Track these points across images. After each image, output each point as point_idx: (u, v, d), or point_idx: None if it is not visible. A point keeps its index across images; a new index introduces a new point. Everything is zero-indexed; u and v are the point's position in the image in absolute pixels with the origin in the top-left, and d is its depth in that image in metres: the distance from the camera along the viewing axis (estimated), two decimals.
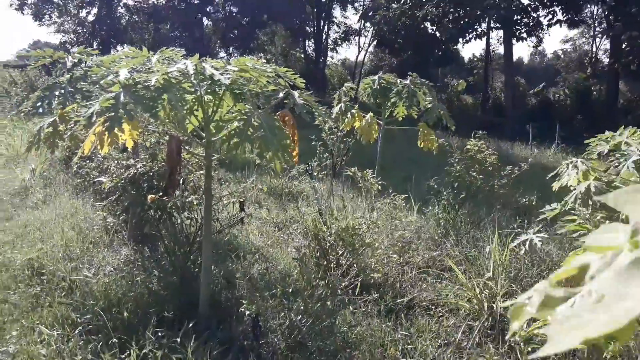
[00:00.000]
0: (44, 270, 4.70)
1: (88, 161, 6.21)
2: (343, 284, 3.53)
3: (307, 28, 39.58)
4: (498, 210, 5.57)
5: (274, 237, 6.24)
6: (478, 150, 5.17)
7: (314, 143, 7.68)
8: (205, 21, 36.82)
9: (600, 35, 45.48)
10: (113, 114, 2.92)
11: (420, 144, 6.93)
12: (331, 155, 7.88)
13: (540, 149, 16.82)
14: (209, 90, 3.28)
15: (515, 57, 31.54)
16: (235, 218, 4.26)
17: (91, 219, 6.15)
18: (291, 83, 3.59)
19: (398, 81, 6.48)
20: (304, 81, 3.69)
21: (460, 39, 26.34)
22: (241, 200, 4.10)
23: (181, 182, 3.77)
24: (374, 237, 3.77)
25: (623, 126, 4.29)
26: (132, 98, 3.02)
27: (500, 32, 28.16)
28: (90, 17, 33.64)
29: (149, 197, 3.62)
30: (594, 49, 47.38)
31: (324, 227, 4.16)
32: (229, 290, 4.47)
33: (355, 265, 3.66)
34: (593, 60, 44.51)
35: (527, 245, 4.05)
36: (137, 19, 34.02)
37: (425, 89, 6.26)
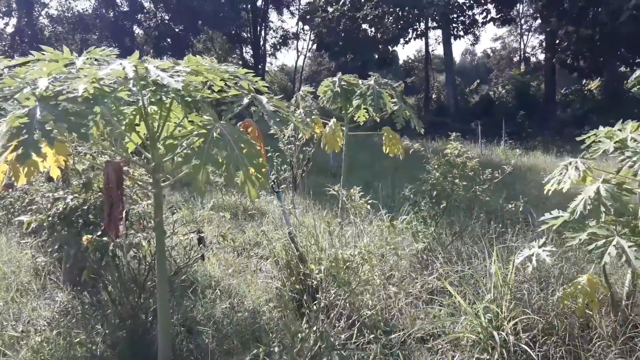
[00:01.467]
0: None
1: (10, 190, 5.30)
2: (335, 331, 2.89)
3: (244, 34, 38.79)
4: (480, 219, 5.10)
5: (234, 265, 5.52)
6: (458, 154, 4.68)
7: (270, 154, 7.01)
8: (137, 30, 35.28)
9: (527, 33, 47.24)
10: (26, 136, 2.18)
11: (386, 149, 6.39)
12: (290, 167, 7.24)
13: (489, 146, 16.81)
14: (152, 100, 2.58)
15: (444, 58, 31.94)
16: (193, 253, 3.54)
17: (17, 259, 5.22)
18: (254, 87, 2.94)
19: (360, 82, 5.92)
20: (266, 84, 3.05)
21: (401, 39, 26.34)
22: (200, 233, 3.39)
23: (124, 215, 3.03)
24: (368, 269, 3.17)
25: (621, 120, 3.91)
26: (53, 114, 2.28)
27: (438, 32, 28.46)
28: (9, 29, 31.42)
29: (84, 238, 2.88)
30: (522, 46, 49.17)
31: (303, 262, 3.51)
32: (190, 340, 3.73)
33: (347, 304, 3.05)
34: (523, 57, 46.09)
35: (534, 261, 3.57)
36: (61, 29, 32.07)
37: (390, 89, 5.74)
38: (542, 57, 36.62)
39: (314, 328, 2.74)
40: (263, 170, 2.33)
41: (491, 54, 54.97)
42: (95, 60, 2.64)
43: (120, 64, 2.22)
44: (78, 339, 3.26)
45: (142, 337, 3.41)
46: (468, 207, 5.16)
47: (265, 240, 4.55)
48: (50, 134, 2.20)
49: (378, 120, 6.34)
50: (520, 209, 4.73)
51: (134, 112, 2.76)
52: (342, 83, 5.79)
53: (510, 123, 21.45)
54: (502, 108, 26.15)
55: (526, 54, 46.04)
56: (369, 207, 3.56)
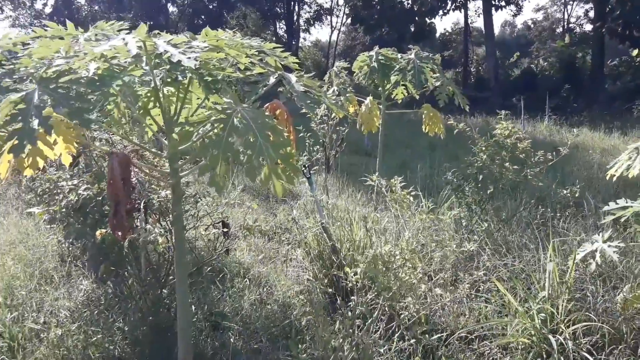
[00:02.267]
0: None
1: (41, 173, 5.15)
2: (372, 339, 2.57)
3: (278, 9, 38.23)
4: (530, 205, 4.65)
5: (264, 251, 5.26)
6: (508, 135, 4.24)
7: (302, 134, 6.68)
8: (170, 8, 35.19)
9: (571, 2, 44.98)
10: (21, 124, 1.91)
11: (425, 128, 5.97)
12: (323, 148, 6.89)
13: (532, 122, 16.02)
14: (167, 79, 2.27)
15: (484, 29, 30.71)
16: (218, 245, 3.28)
17: (44, 245, 5.09)
18: (282, 64, 2.60)
19: (399, 56, 5.49)
20: (297, 60, 2.70)
21: (440, 11, 25.36)
22: (225, 226, 3.11)
23: (142, 208, 2.77)
24: (411, 270, 2.82)
25: None
26: (53, 98, 2.00)
27: (479, 3, 27.28)
28: (48, 9, 31.81)
29: (98, 232, 2.64)
30: (566, 17, 46.93)
31: (336, 253, 3.20)
32: (215, 335, 3.50)
33: (386, 308, 2.72)
34: (566, 27, 44.03)
35: (597, 258, 3.16)
36: (97, 8, 32.25)
37: (432, 64, 5.29)
38: (588, 27, 34.89)
39: (349, 339, 2.44)
40: (291, 161, 2.00)
41: (532, 26, 52.75)
42: (104, 35, 2.34)
43: (123, 38, 1.91)
44: (94, 338, 3.05)
45: (163, 335, 3.19)
46: (514, 191, 4.72)
47: (296, 228, 4.25)
48: (47, 122, 1.92)
49: (417, 97, 5.92)
50: (577, 195, 4.28)
51: (148, 94, 2.46)
52: (380, 57, 5.38)
53: (554, 97, 20.42)
54: (545, 81, 24.93)
55: (570, 25, 43.97)
56: (411, 198, 3.21)
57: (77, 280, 4.43)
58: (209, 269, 4.30)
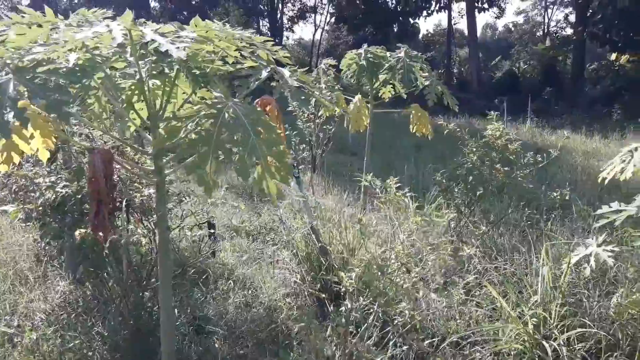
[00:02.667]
0: None
1: (16, 169, 4.94)
2: (366, 346, 2.47)
3: (261, 6, 37.98)
4: (518, 206, 4.60)
5: (248, 252, 5.12)
6: (500, 136, 4.18)
7: (287, 132, 6.56)
8: (152, 2, 34.73)
9: (552, 6, 45.55)
10: (1, 117, 1.76)
11: (413, 128, 5.89)
12: (310, 147, 6.78)
13: (514, 124, 16.12)
14: (153, 72, 2.14)
15: (467, 31, 30.85)
16: (203, 246, 3.14)
17: (19, 244, 4.89)
18: (274, 58, 2.49)
19: (388, 54, 5.40)
20: (288, 55, 2.59)
21: (424, 12, 25.41)
22: (211, 226, 2.98)
23: (124, 207, 2.63)
24: (406, 275, 2.73)
25: None
26: (29, 89, 1.86)
27: (462, 4, 27.41)
28: (25, 1, 31.07)
29: (77, 233, 2.49)
30: (546, 20, 47.50)
31: (325, 254, 3.09)
32: (199, 340, 3.36)
33: (380, 313, 2.62)
34: (547, 31, 44.60)
35: (592, 262, 3.11)
36: (77, 1, 31.63)
37: (421, 63, 5.22)
38: (568, 31, 35.35)
39: (342, 346, 2.33)
40: (285, 160, 1.89)
41: (513, 29, 53.26)
42: (87, 22, 2.20)
43: (107, 25, 1.77)
44: (72, 344, 2.90)
45: (145, 340, 3.05)
46: (502, 193, 4.67)
47: (283, 228, 4.13)
48: (23, 114, 1.78)
49: (405, 96, 5.84)
50: (567, 198, 4.24)
51: (132, 87, 2.32)
52: (369, 55, 5.28)
53: (535, 100, 20.60)
54: (527, 84, 25.16)
55: (550, 29, 44.56)
56: (406, 200, 3.12)
57: (53, 282, 4.25)
58: (192, 270, 4.16)
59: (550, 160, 4.77)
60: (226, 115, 1.91)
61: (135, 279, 2.93)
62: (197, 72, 2.29)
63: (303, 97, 2.20)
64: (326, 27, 42.64)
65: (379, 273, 2.54)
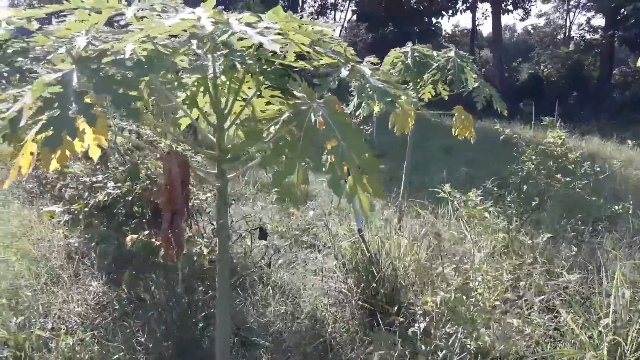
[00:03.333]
0: None
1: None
2: None
3: (282, 1, 37.74)
4: (578, 220, 4.33)
5: (284, 255, 4.91)
6: (562, 144, 3.93)
7: None
8: None
9: (574, 10, 44.76)
10: (58, 112, 1.57)
11: (455, 132, 5.63)
12: None
13: (542, 129, 15.71)
14: (223, 67, 1.94)
15: (485, 33, 30.36)
16: (253, 254, 2.94)
17: (48, 239, 4.73)
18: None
19: (435, 54, 5.15)
20: (353, 52, 2.37)
21: (450, 11, 25.01)
22: (261, 226, 2.78)
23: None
24: (491, 299, 2.50)
25: None
26: (94, 81, 1.67)
27: (486, 5, 26.98)
28: None
29: (128, 239, 2.31)
30: (568, 23, 46.77)
31: (373, 264, 2.86)
32: (246, 352, 3.16)
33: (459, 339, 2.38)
34: (568, 34, 43.90)
35: None
36: None
37: (470, 63, 4.96)
38: (590, 35, 34.70)
39: None
40: (377, 170, 1.68)
41: (532, 31, 52.48)
42: (164, 8, 1.99)
43: (193, 12, 1.57)
44: (116, 356, 2.71)
45: (191, 352, 2.85)
46: (558, 204, 4.41)
47: (328, 235, 3.92)
48: (90, 110, 1.58)
49: (446, 98, 5.59)
50: (630, 212, 3.98)
51: (196, 83, 2.12)
52: (416, 54, 5.04)
53: (561, 104, 20.14)
54: (551, 88, 24.62)
55: (571, 32, 43.89)
56: (487, 214, 2.88)
57: (85, 281, 4.08)
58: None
59: (596, 170, 4.51)
60: (312, 117, 1.70)
61: (184, 288, 2.74)
62: (268, 69, 2.10)
63: (389, 99, 1.97)
64: (345, 24, 42.34)
65: (464, 297, 2.31)
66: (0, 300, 3.65)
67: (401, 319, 3.05)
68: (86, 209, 2.55)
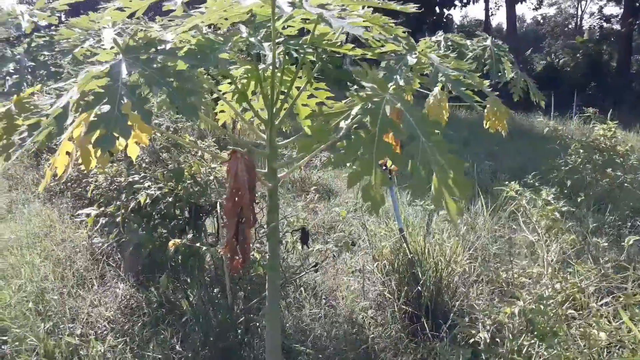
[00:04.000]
0: (5, 337, 3.17)
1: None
2: None
3: None
4: (630, 216, 4.11)
5: (312, 253, 4.74)
6: (611, 136, 3.72)
7: None
8: None
9: None
10: (108, 109, 1.40)
11: (486, 124, 5.41)
12: None
13: (562, 120, 15.41)
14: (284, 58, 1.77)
15: (494, 24, 29.89)
16: (295, 257, 2.77)
17: (71, 239, 4.60)
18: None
19: (469, 43, 4.94)
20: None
21: (459, 2, 24.63)
22: (304, 227, 2.61)
23: (219, 212, 2.26)
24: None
25: None
26: (149, 74, 1.50)
27: None
28: None
29: (171, 243, 2.15)
30: (579, 12, 46.02)
31: (413, 265, 2.66)
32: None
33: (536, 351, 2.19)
34: (579, 23, 43.21)
35: None
36: None
37: (507, 53, 4.74)
38: (606, 24, 34.12)
39: None
40: (461, 169, 1.49)
41: (541, 21, 51.74)
42: None
43: None
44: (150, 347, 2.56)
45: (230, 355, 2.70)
46: (603, 199, 4.18)
47: (366, 235, 3.74)
48: (144, 105, 1.41)
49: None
50: None
51: (247, 76, 1.95)
52: (449, 43, 4.82)
53: (579, 95, 19.75)
54: (567, 78, 24.14)
55: (583, 21, 43.21)
56: (557, 214, 2.68)
57: (112, 283, 3.94)
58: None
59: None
60: (387, 110, 1.52)
61: (222, 292, 2.58)
62: (327, 58, 1.92)
63: (464, 89, 1.80)
64: None
65: (541, 306, 2.12)
66: (27, 304, 3.52)
67: (449, 326, 2.87)
68: (122, 211, 2.39)
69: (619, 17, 34.41)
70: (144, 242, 2.41)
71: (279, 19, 1.69)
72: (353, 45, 1.93)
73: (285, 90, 1.99)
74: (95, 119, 1.39)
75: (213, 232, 2.41)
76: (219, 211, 2.31)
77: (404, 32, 1.94)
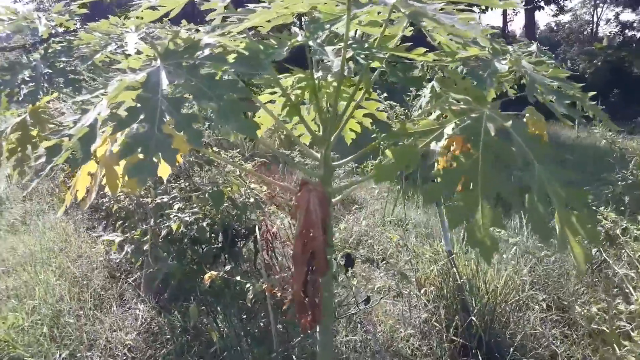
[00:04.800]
0: None
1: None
2: None
3: None
4: None
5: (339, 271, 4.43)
6: None
7: (374, 135, 5.83)
8: None
9: (602, 5, 43.32)
10: (145, 128, 1.12)
11: None
12: None
13: (586, 128, 14.98)
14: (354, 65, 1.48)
15: (526, 29, 29.44)
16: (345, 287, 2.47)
17: (87, 254, 4.34)
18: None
19: (510, 48, 4.63)
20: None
21: (479, 8, 24.22)
22: (349, 253, 2.31)
23: (259, 235, 1.97)
24: None
25: None
26: (195, 85, 1.22)
27: None
28: None
29: (207, 277, 1.86)
30: (596, 19, 45.35)
31: (470, 297, 2.37)
32: None
33: None
34: (595, 30, 42.58)
35: None
36: None
37: (551, 59, 4.42)
38: (627, 31, 33.55)
39: None
40: (587, 201, 1.19)
41: (555, 27, 51.05)
42: None
43: None
44: None
45: None
46: None
47: (407, 255, 3.43)
48: (192, 124, 1.12)
49: (514, 96, 5.05)
50: None
51: (301, 86, 1.66)
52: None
53: (602, 102, 19.23)
54: (589, 85, 23.47)
55: (599, 27, 42.65)
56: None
57: (131, 304, 3.67)
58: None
59: None
60: (490, 128, 1.22)
61: (260, 326, 2.28)
62: (399, 65, 1.63)
63: (567, 102, 1.50)
64: None
65: None
66: (42, 328, 3.26)
67: None
68: (146, 238, 2.11)
69: (635, 23, 33.84)
70: (174, 272, 2.13)
71: (355, 17, 1.40)
72: (426, 50, 1.63)
73: (345, 103, 1.71)
74: (129, 139, 1.11)
75: (249, 257, 2.12)
76: (258, 237, 2.03)
77: (487, 34, 1.64)
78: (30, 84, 2.65)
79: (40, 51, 2.84)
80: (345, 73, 1.39)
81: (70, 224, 5.08)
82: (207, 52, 1.30)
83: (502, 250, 3.41)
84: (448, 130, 1.23)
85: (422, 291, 3.05)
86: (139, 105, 1.13)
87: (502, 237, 3.60)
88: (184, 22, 3.06)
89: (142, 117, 1.12)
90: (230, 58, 1.32)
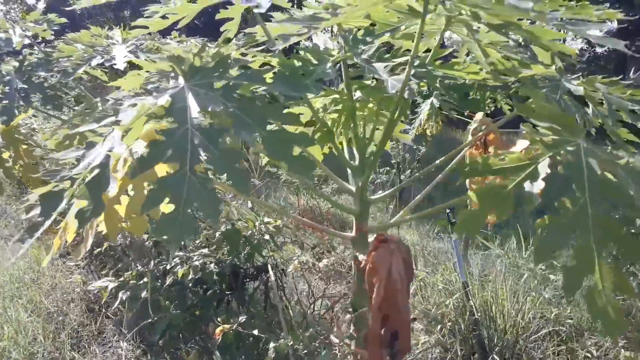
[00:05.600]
0: None
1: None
2: None
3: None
4: None
5: (332, 298, 4.15)
6: None
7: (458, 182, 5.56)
8: None
9: None
10: (178, 175, 0.86)
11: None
12: (397, 170, 5.75)
13: None
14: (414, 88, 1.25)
15: None
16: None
17: (64, 287, 3.97)
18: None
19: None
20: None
21: None
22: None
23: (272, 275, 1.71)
24: None
25: None
26: (233, 111, 0.96)
27: None
28: (41, 4, 30.31)
29: (218, 330, 1.60)
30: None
31: (487, 333, 2.16)
32: None
33: None
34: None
35: None
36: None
37: None
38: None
39: None
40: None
41: None
42: None
43: None
44: None
45: None
46: None
47: (421, 283, 3.20)
48: (235, 163, 0.87)
49: (509, 110, 4.90)
50: None
51: (338, 109, 1.43)
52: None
53: None
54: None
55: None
56: None
57: (112, 341, 3.34)
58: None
59: None
60: (593, 165, 1.00)
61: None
62: (454, 85, 1.42)
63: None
64: None
65: None
66: None
67: None
68: (146, 279, 1.82)
69: None
70: (176, 322, 1.84)
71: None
72: (480, 68, 1.42)
73: (372, 129, 1.48)
74: (156, 185, 0.85)
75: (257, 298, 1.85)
76: (271, 277, 1.76)
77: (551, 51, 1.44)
78: (4, 101, 2.34)
79: (13, 64, 2.54)
80: (406, 95, 1.15)
81: (42, 250, 4.69)
82: (240, 71, 1.06)
83: (517, 276, 3.21)
84: (543, 166, 1.00)
85: (438, 327, 2.82)
86: (165, 139, 0.87)
87: (517, 263, 3.41)
88: (174, 33, 2.76)
89: (169, 154, 0.87)
90: (268, 77, 1.08)
